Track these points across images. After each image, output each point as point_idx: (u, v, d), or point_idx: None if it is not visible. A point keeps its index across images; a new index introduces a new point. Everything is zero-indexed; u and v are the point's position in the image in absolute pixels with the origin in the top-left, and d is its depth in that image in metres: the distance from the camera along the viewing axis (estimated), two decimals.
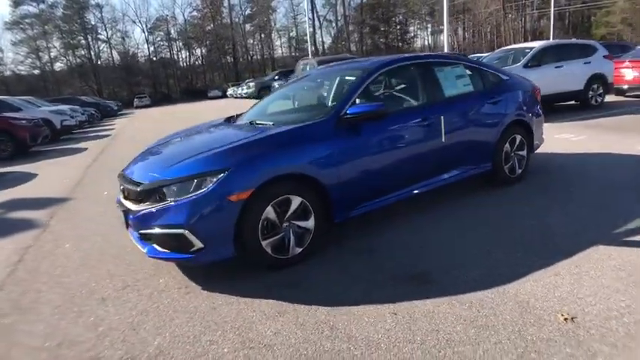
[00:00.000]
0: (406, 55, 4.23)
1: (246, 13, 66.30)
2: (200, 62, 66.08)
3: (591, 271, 2.76)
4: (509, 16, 58.44)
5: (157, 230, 2.89)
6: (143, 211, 2.93)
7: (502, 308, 2.44)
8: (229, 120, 4.44)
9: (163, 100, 49.45)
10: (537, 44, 9.64)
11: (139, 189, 3.01)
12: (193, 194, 2.80)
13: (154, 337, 2.45)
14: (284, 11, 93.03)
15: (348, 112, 3.33)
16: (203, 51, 65.01)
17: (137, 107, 42.72)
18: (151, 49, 63.40)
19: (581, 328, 2.21)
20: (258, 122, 3.80)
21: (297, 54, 67.28)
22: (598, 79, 9.56)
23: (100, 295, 3.01)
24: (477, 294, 2.60)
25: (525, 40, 60.02)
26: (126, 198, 3.22)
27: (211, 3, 62.06)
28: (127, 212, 3.13)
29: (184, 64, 66.34)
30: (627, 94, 10.93)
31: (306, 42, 70.24)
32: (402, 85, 3.97)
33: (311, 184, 3.14)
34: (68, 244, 4.09)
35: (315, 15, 61.67)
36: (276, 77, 27.22)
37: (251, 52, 68.33)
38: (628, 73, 10.53)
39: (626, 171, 4.94)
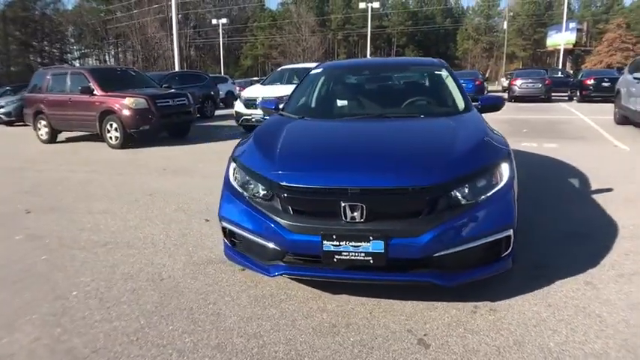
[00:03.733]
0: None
1: None
2: None
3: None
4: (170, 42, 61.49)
5: (467, 245, 2.26)
6: (441, 226, 2.21)
7: None
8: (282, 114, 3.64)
9: None
10: (313, 65, 11.32)
11: (428, 196, 2.24)
12: (499, 186, 2.38)
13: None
14: None
15: (481, 102, 3.50)
16: None
17: None
18: None
19: None
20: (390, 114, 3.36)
21: None
22: None
23: (414, 340, 2.06)
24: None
25: (187, 65, 64.85)
26: (368, 218, 2.23)
27: None
28: (388, 237, 2.19)
29: None
30: None
31: None
32: None
33: None
34: None
35: None
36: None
37: None
38: None
39: None
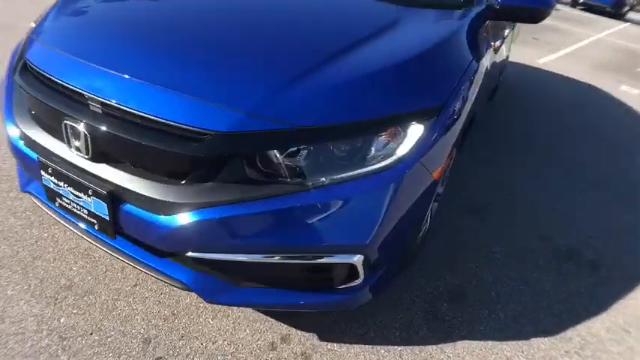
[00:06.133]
0: None
1: None
2: None
3: None
4: None
5: (255, 256, 1.21)
6: (217, 209, 1.14)
7: None
8: None
9: None
10: None
11: (213, 150, 1.12)
12: (374, 166, 1.20)
13: None
14: None
15: (500, 2, 1.99)
16: None
17: None
18: None
19: None
20: None
21: None
22: None
23: None
24: None
25: None
26: (97, 157, 1.24)
27: None
28: (115, 198, 1.21)
29: None
30: None
31: None
32: None
33: None
34: None
35: None
36: None
37: None
38: None
39: None
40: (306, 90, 1.18)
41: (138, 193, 1.19)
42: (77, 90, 1.23)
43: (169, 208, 1.16)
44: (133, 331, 1.44)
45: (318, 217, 1.16)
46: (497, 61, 2.61)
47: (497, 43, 2.40)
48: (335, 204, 1.16)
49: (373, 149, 1.21)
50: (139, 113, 1.15)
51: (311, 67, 1.24)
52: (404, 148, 1.22)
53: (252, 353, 1.43)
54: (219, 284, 1.31)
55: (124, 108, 1.17)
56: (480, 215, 2.37)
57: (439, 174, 1.37)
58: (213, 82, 1.18)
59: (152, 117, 1.14)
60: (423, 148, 1.25)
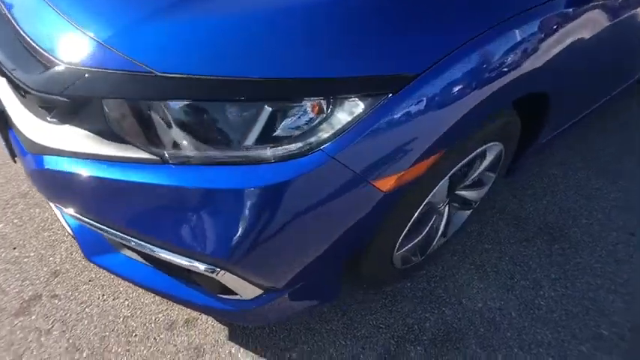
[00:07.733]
0: None
1: None
2: None
3: None
4: None
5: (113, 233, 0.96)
6: (60, 160, 0.89)
7: None
8: None
9: None
10: None
11: (42, 82, 0.84)
12: (264, 152, 0.79)
13: None
14: None
15: None
16: None
17: None
18: None
19: None
20: None
21: None
22: None
23: None
24: None
25: None
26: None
27: None
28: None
29: None
30: None
31: None
32: None
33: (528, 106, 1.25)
34: None
35: None
36: None
37: None
38: None
39: None
40: (186, 23, 0.80)
41: (13, 121, 1.00)
42: None
43: (31, 145, 0.95)
44: (50, 259, 1.36)
45: (170, 205, 0.84)
46: None
47: None
48: (193, 193, 0.81)
49: (274, 126, 0.80)
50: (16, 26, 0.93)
51: None
52: (321, 134, 0.80)
53: (144, 325, 1.24)
54: (101, 243, 1.11)
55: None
56: (547, 239, 1.72)
57: (394, 184, 0.90)
58: None
59: (21, 31, 0.91)
60: (353, 137, 0.80)
